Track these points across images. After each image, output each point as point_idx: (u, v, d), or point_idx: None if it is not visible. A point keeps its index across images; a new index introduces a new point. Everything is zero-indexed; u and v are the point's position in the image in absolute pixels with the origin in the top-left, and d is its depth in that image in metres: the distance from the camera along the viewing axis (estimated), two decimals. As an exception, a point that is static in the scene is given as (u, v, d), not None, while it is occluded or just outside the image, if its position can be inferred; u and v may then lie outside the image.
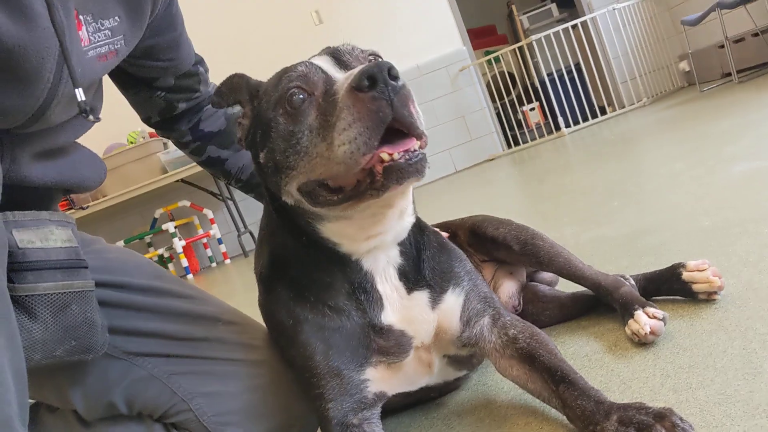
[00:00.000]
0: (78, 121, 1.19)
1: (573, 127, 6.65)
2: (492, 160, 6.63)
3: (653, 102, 6.61)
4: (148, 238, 6.35)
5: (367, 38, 6.45)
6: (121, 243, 5.52)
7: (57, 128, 1.12)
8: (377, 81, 0.86)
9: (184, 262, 5.77)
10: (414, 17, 6.72)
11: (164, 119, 1.50)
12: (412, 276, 1.13)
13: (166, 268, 6.05)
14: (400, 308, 1.11)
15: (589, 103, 6.91)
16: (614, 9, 6.70)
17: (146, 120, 1.51)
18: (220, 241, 6.27)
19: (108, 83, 1.44)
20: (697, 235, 1.70)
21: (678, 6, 6.94)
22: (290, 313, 1.12)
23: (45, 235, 1.03)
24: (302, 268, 1.12)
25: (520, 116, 7.28)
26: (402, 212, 1.08)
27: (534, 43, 6.75)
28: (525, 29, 7.55)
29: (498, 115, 7.07)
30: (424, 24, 6.68)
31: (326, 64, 1.01)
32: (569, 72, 6.93)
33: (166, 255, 6.14)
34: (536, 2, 8.34)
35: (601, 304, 1.42)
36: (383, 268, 1.11)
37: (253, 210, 6.40)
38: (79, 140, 1.28)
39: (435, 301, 1.14)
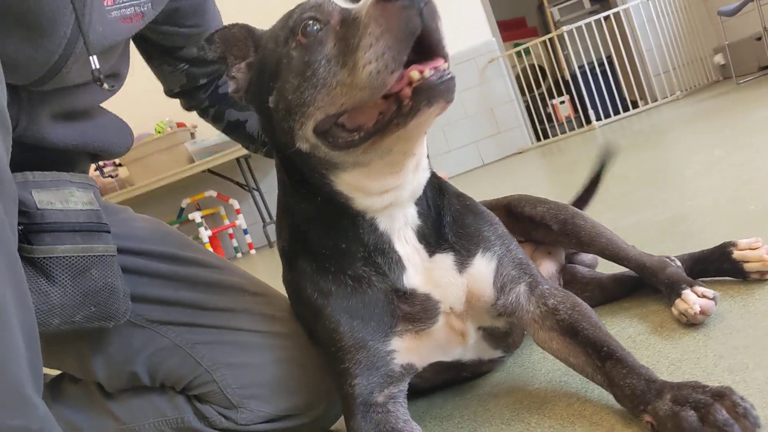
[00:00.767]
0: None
1: (604, 121, 6.53)
2: (520, 153, 6.53)
3: (687, 96, 6.47)
4: (174, 228, 6.36)
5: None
6: (147, 231, 5.52)
7: (77, 90, 1.09)
8: None
9: (210, 252, 5.77)
10: (443, 8, 6.55)
11: (184, 91, 1.47)
12: (433, 238, 1.07)
13: (192, 257, 6.04)
14: (423, 270, 1.05)
15: (621, 96, 6.79)
16: (647, 0, 6.56)
17: (168, 92, 1.48)
18: (245, 232, 6.27)
19: (135, 68, 1.41)
20: (742, 218, 1.62)
21: (714, -3, 6.79)
22: (314, 286, 1.07)
23: (65, 196, 1.00)
24: (320, 236, 1.06)
25: (550, 109, 7.17)
26: (418, 164, 1.01)
27: (565, 35, 6.64)
28: (555, 21, 7.44)
29: (527, 108, 6.97)
30: (453, 15, 6.59)
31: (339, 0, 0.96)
32: (600, 65, 6.81)
33: (192, 245, 6.14)
34: (567, -6, 8.21)
35: (643, 286, 1.35)
36: (400, 228, 1.04)
37: (278, 201, 6.37)
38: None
39: (462, 264, 1.07)
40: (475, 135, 6.67)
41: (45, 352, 1.16)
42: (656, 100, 6.60)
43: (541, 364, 1.22)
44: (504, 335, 1.17)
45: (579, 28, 6.58)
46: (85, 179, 1.08)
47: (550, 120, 7.18)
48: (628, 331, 1.21)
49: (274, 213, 6.28)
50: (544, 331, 1.05)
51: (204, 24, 1.36)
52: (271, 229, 6.29)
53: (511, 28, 8.36)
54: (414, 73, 0.83)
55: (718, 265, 1.27)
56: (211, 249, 5.74)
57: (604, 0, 7.28)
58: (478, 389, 1.23)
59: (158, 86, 1.48)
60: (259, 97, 1.03)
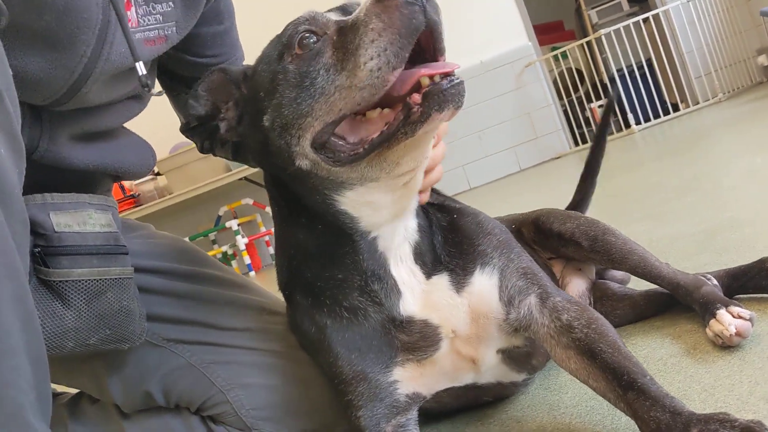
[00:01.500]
0: (123, 106, 1.16)
1: (643, 125, 6.39)
2: (558, 158, 6.43)
3: (729, 98, 6.30)
4: (212, 236, 6.41)
5: (431, 35, 6.33)
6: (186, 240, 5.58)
7: (99, 110, 1.09)
8: None
9: (247, 259, 5.81)
10: (479, 13, 6.57)
11: (201, 124, 1.43)
12: (429, 259, 1.03)
13: (230, 265, 6.10)
14: (420, 294, 1.01)
15: (661, 99, 6.63)
16: (688, 1, 6.40)
17: (185, 125, 1.44)
18: (281, 239, 6.28)
19: None
20: (785, 231, 1.55)
21: (757, -3, 6.60)
22: (311, 320, 1.04)
23: (83, 218, 0.99)
24: (315, 269, 1.03)
25: (588, 113, 7.05)
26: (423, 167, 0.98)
27: (603, 37, 6.52)
28: (593, 24, 7.32)
29: (565, 112, 6.86)
30: (489, 19, 6.53)
31: (333, 14, 0.94)
32: (640, 68, 6.67)
33: (230, 252, 6.19)
34: (606, -3, 8.08)
35: (676, 304, 1.29)
36: (399, 245, 1.00)
37: (314, 208, 6.37)
38: (147, 137, 1.26)
39: (459, 284, 1.02)
40: (513, 140, 6.58)
41: (61, 372, 1.17)
42: (698, 103, 6.43)
43: (567, 387, 1.17)
44: (526, 356, 1.12)
45: (617, 31, 6.45)
46: (104, 201, 1.07)
47: (588, 124, 7.05)
48: (659, 353, 1.15)
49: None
50: (561, 349, 0.98)
51: (222, 55, 1.34)
52: (307, 237, 6.29)
53: (548, 32, 8.25)
54: (424, 78, 0.81)
55: (757, 281, 1.21)
56: (248, 257, 5.78)
57: (643, 1, 7.14)
58: (501, 413, 1.18)
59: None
60: (252, 124, 1.00)
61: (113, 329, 1.01)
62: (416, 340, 0.99)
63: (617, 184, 3.38)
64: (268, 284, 1.34)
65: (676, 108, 6.60)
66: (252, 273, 5.79)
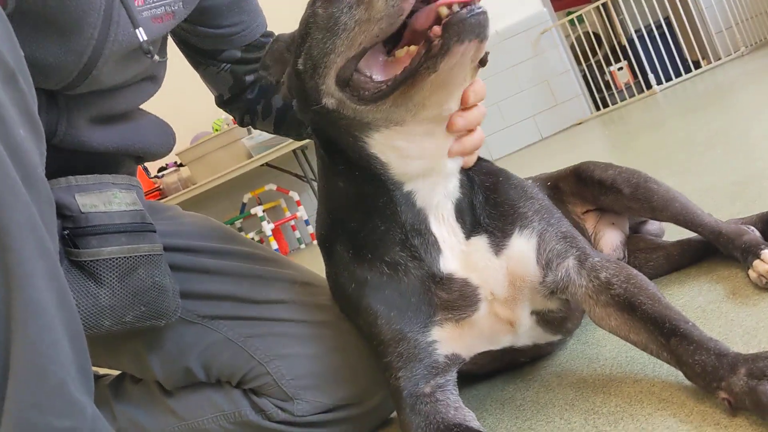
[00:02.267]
0: (138, 87, 1.16)
1: (665, 84, 6.28)
2: (580, 124, 6.35)
3: (752, 51, 6.17)
4: (238, 223, 6.45)
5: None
6: (211, 228, 5.61)
7: (114, 92, 1.09)
8: None
9: (274, 245, 5.84)
10: (490, -18, 6.50)
11: (234, 95, 1.43)
12: (469, 219, 1.01)
13: (257, 251, 6.12)
14: (460, 254, 1.00)
15: (682, 57, 6.51)
16: (705, -45, 6.28)
17: (218, 98, 1.45)
18: (307, 223, 6.31)
19: (190, 69, 1.41)
20: (819, 174, 1.52)
21: (777, -55, 6.44)
22: (351, 275, 1.03)
23: (108, 198, 1.00)
24: (357, 219, 1.03)
25: (608, 77, 6.95)
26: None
27: (619, -2, 6.42)
28: (609, -14, 7.19)
29: (584, 77, 6.76)
30: (502, -12, 6.45)
31: None
32: (659, 27, 6.55)
33: (257, 239, 6.23)
34: (619, -43, 7.92)
35: (711, 253, 1.27)
36: (439, 203, 0.99)
37: (337, 190, 6.37)
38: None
39: (498, 246, 1.00)
40: (532, 109, 6.51)
41: (103, 353, 1.19)
42: (719, 59, 6.31)
43: (605, 340, 1.16)
44: (561, 320, 1.11)
45: (634, -10, 6.35)
46: (127, 180, 1.08)
47: (608, 88, 6.96)
48: (697, 301, 1.14)
49: (333, 202, 6.33)
50: (600, 307, 0.97)
51: (241, 23, 1.33)
52: (332, 219, 6.30)
53: (562, -3, 8.12)
54: (442, 8, 0.79)
55: (792, 224, 1.18)
56: (275, 243, 5.81)
57: (658, -42, 7.00)
58: (541, 370, 1.18)
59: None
60: (294, 72, 1.01)
61: (148, 305, 1.02)
62: (455, 298, 0.98)
63: (643, 143, 3.34)
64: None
65: (697, 65, 6.49)
66: (280, 258, 5.80)
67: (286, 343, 1.15)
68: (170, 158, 6.11)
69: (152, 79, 1.20)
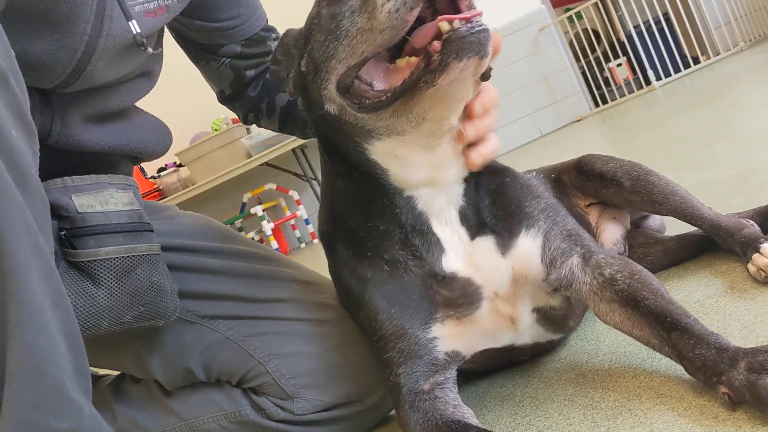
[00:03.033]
0: (133, 83, 1.16)
1: (664, 80, 6.27)
2: (579, 120, 6.35)
3: (751, 46, 6.17)
4: (238, 223, 6.45)
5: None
6: (211, 228, 5.61)
7: (109, 90, 1.09)
8: None
9: (274, 244, 5.83)
10: (489, -21, 6.50)
11: (235, 91, 1.43)
12: (474, 222, 1.01)
13: (257, 251, 6.12)
14: (464, 254, 0.99)
15: (681, 53, 6.51)
16: (703, -50, 6.27)
17: (220, 94, 1.44)
18: (307, 222, 6.31)
19: (190, 68, 1.41)
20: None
21: (775, -61, 6.43)
22: (352, 272, 1.04)
23: (104, 198, 1.00)
24: (357, 217, 1.03)
25: (607, 73, 6.94)
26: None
27: (617, -6, 6.41)
28: (607, -18, 7.19)
29: (583, 74, 6.76)
30: (500, -15, 6.44)
31: None
32: (657, 23, 6.53)
33: (257, 238, 6.22)
34: (617, -47, 7.91)
35: (709, 247, 1.27)
36: (441, 209, 0.99)
37: (337, 189, 6.37)
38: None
39: (505, 246, 1.00)
40: (532, 106, 6.51)
41: (103, 354, 1.19)
42: (719, 54, 6.30)
43: (604, 335, 1.16)
44: (562, 318, 1.11)
45: (632, -14, 6.34)
46: (124, 180, 1.08)
47: (608, 84, 6.95)
48: (696, 295, 1.14)
49: (333, 201, 6.32)
50: (605, 303, 0.97)
51: (239, 17, 1.32)
52: (332, 218, 6.29)
53: (560, -6, 8.12)
54: (443, 24, 0.78)
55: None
56: (275, 242, 5.81)
57: (656, -46, 6.99)
58: (540, 365, 1.18)
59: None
60: (298, 72, 1.01)
61: (146, 306, 1.02)
62: (457, 296, 0.99)
63: (643, 139, 3.34)
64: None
65: (696, 61, 6.47)
66: (280, 257, 5.80)
67: (285, 341, 1.15)
68: (169, 158, 6.10)
69: (147, 75, 1.19)
